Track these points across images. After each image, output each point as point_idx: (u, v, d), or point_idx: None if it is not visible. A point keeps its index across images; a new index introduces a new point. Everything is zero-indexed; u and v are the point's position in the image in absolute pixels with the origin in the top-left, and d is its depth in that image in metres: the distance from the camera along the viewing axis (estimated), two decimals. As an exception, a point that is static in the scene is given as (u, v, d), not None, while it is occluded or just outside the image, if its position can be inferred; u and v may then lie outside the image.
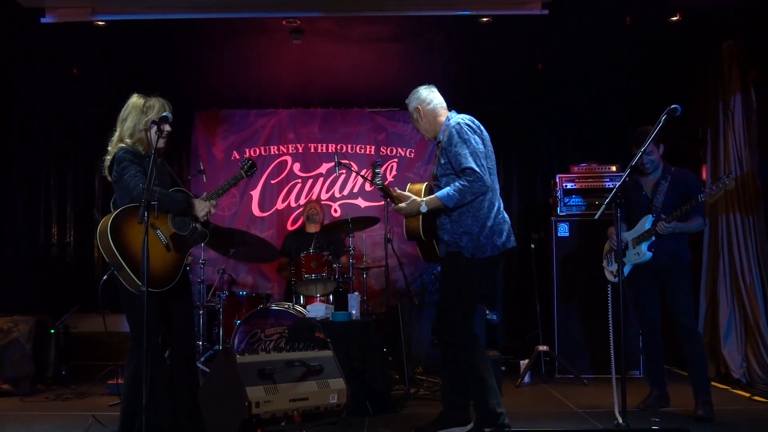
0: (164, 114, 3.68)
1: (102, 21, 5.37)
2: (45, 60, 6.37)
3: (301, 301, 6.10)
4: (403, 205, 4.01)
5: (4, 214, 7.90)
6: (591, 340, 6.16)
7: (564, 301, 6.27)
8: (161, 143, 3.79)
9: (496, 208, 3.99)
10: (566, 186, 6.36)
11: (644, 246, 4.63)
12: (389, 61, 6.56)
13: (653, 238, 4.59)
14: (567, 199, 6.35)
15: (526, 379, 5.93)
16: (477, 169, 3.80)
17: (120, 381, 5.40)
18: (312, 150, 7.95)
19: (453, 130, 3.93)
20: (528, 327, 6.88)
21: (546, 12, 5.23)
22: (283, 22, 5.55)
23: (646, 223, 4.65)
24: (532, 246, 6.47)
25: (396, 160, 7.90)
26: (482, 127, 4.03)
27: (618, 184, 3.76)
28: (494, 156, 4.07)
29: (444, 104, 4.23)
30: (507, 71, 6.85)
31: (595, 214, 4.07)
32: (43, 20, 5.24)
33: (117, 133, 3.81)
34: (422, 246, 4.22)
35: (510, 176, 7.92)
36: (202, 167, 5.97)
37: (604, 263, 5.01)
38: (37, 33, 5.48)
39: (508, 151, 7.93)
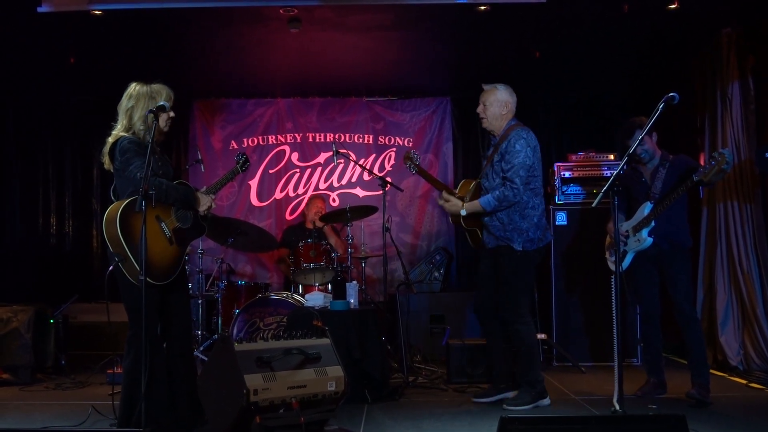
0: (161, 103, 3.68)
1: (99, 10, 5.34)
2: (42, 49, 6.34)
3: (300, 290, 6.11)
4: (446, 204, 4.77)
5: (2, 204, 7.89)
6: (589, 328, 6.18)
7: (562, 289, 6.28)
8: (167, 127, 3.83)
9: (541, 209, 4.61)
10: (564, 174, 6.36)
11: (644, 232, 4.63)
12: (387, 50, 6.55)
13: (653, 223, 4.60)
14: (565, 188, 6.35)
15: (524, 367, 5.95)
16: (518, 182, 4.44)
17: (119, 370, 5.42)
18: (310, 139, 7.95)
19: (513, 139, 4.53)
20: (526, 315, 6.89)
21: (544, 0, 5.22)
22: (281, 11, 5.52)
23: (644, 209, 4.65)
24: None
25: (394, 149, 7.89)
26: (536, 141, 4.64)
27: (615, 172, 3.77)
28: (541, 164, 4.66)
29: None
30: (505, 59, 6.83)
31: (593, 203, 4.08)
32: (39, 9, 5.21)
33: (124, 123, 3.78)
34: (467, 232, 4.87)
35: (508, 165, 7.90)
36: (200, 157, 5.95)
37: (607, 255, 5.01)
38: (34, 22, 5.46)
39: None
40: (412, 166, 5.01)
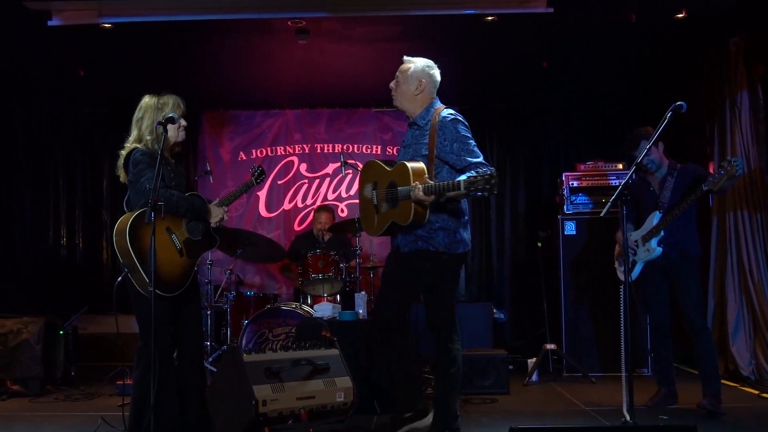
0: (170, 114, 3.70)
1: (108, 23, 5.40)
2: (52, 62, 6.40)
3: (309, 301, 6.11)
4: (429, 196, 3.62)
5: (13, 215, 7.94)
6: (599, 338, 6.15)
7: (571, 299, 6.26)
8: (182, 136, 3.87)
9: (467, 207, 3.98)
10: (572, 184, 6.35)
11: (654, 242, 4.62)
12: (395, 61, 6.46)
13: (662, 233, 4.59)
14: (573, 197, 6.34)
15: (534, 377, 5.93)
16: (485, 161, 3.77)
17: (129, 381, 5.42)
18: (318, 150, 7.96)
19: (451, 124, 3.81)
20: (535, 325, 6.87)
21: (551, 10, 5.23)
22: (289, 23, 5.56)
23: (653, 219, 4.64)
24: (539, 244, 6.45)
25: (402, 159, 7.89)
26: None
27: (623, 182, 3.76)
28: None
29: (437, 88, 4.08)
30: (512, 69, 6.84)
31: (602, 212, 4.07)
32: (49, 23, 5.27)
33: (134, 134, 3.82)
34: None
35: (516, 174, 7.90)
36: (209, 168, 5.98)
37: (616, 265, 5.00)
38: (44, 35, 5.51)
39: (515, 150, 7.93)
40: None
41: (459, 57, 6.56)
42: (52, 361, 5.82)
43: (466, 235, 3.92)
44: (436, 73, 4.07)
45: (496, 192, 3.41)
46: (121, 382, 5.40)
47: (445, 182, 3.54)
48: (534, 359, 6.05)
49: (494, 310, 6.58)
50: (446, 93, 7.62)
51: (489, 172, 3.40)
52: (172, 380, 3.74)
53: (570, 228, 6.30)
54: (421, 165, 3.73)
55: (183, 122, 3.86)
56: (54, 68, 6.58)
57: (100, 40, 5.81)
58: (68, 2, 5.22)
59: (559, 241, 6.33)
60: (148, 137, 3.76)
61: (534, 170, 7.90)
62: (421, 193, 3.55)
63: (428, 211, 3.69)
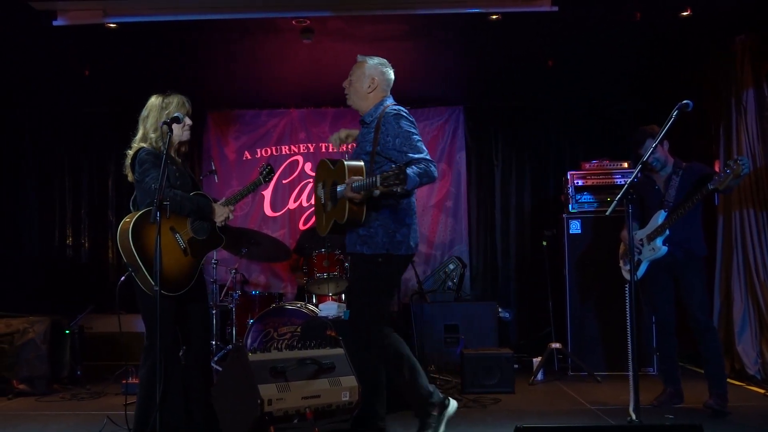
0: (175, 114, 3.70)
1: (113, 23, 5.40)
2: (58, 62, 6.41)
3: (314, 300, 6.11)
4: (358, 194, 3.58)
5: (19, 215, 7.97)
6: (604, 337, 6.15)
7: (577, 298, 6.26)
8: (186, 135, 3.87)
9: (413, 208, 3.87)
10: (577, 183, 6.35)
11: (659, 241, 4.61)
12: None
13: (667, 232, 4.57)
14: (578, 196, 6.34)
15: (540, 376, 5.93)
16: (428, 157, 3.68)
17: (134, 380, 5.45)
18: (323, 149, 7.96)
19: (393, 119, 3.75)
20: (541, 324, 6.88)
21: (555, 9, 5.22)
22: (293, 22, 5.56)
23: (658, 218, 4.63)
24: (544, 243, 6.46)
25: (407, 158, 7.89)
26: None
27: (629, 180, 3.75)
28: None
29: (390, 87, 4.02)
30: (517, 68, 6.83)
31: (607, 211, 4.06)
32: (55, 23, 5.28)
33: (140, 133, 3.83)
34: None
35: (522, 173, 7.90)
36: (213, 167, 5.99)
37: (621, 264, 4.99)
38: (49, 35, 5.52)
39: (520, 149, 7.92)
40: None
41: (464, 56, 6.56)
42: (58, 360, 5.84)
43: (411, 236, 3.82)
44: (389, 71, 4.04)
45: (400, 190, 3.34)
46: (126, 382, 5.42)
47: (369, 179, 3.50)
48: (539, 358, 6.04)
49: (499, 310, 6.57)
50: (451, 92, 7.73)
51: (397, 168, 3.32)
52: (178, 379, 3.75)
53: (575, 227, 6.29)
54: (358, 163, 3.73)
55: (188, 121, 3.86)
56: (59, 68, 6.59)
57: (105, 40, 5.82)
58: (73, 2, 5.22)
59: (565, 240, 6.32)
60: (153, 136, 3.77)
61: (539, 169, 7.90)
62: (349, 191, 3.56)
63: (364, 210, 3.67)
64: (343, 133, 4.21)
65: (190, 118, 3.90)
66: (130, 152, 3.80)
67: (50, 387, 5.68)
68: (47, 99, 7.57)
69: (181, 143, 3.91)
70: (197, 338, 3.92)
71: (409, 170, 3.52)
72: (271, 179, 4.30)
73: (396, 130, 3.73)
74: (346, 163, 3.70)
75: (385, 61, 4.04)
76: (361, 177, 3.60)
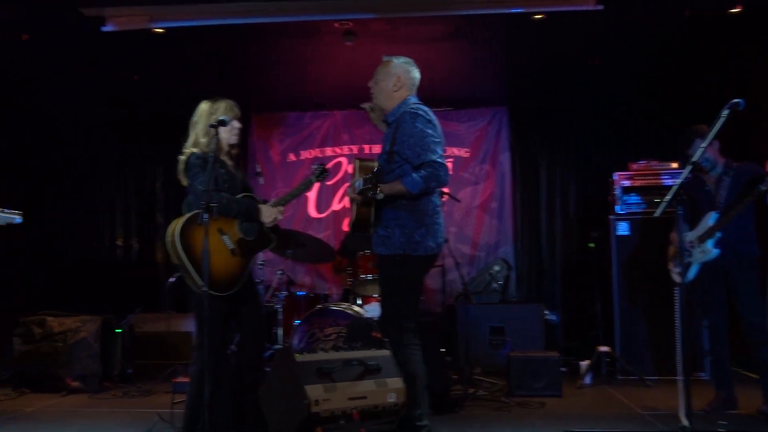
0: (221, 117, 3.77)
1: (160, 28, 5.50)
2: (107, 67, 6.55)
3: (359, 301, 6.13)
4: (357, 196, 3.73)
5: (71, 217, 8.17)
6: (654, 341, 6.03)
7: (625, 300, 6.15)
8: (234, 139, 3.93)
9: (433, 208, 3.80)
10: (624, 184, 6.25)
11: (710, 243, 4.51)
12: (442, 61, 6.55)
13: (718, 234, 4.47)
14: (626, 198, 6.24)
15: (587, 380, 5.85)
16: (440, 160, 3.65)
17: (182, 380, 5.54)
18: (366, 151, 7.98)
19: (410, 118, 3.74)
20: (588, 327, 6.76)
21: (601, 7, 5.14)
22: (336, 25, 5.59)
23: (709, 219, 4.53)
24: (591, 245, 6.36)
25: (451, 160, 7.86)
26: (436, 120, 3.83)
27: (679, 181, 3.67)
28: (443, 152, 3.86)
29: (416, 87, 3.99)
30: (561, 67, 6.76)
31: (656, 212, 3.98)
32: (103, 29, 5.40)
33: (191, 138, 3.90)
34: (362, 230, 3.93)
35: (567, 174, 7.81)
36: (259, 169, 6.05)
37: (671, 266, 4.90)
38: (98, 41, 5.64)
39: (565, 148, 7.83)
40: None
41: (507, 56, 6.51)
42: (109, 358, 5.98)
43: (429, 237, 3.76)
44: (415, 70, 4.01)
45: (375, 196, 3.46)
46: (175, 380, 5.52)
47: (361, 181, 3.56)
48: (587, 362, 5.96)
49: (546, 312, 6.51)
50: (494, 93, 7.67)
51: (372, 174, 3.43)
52: (227, 379, 3.80)
53: (623, 228, 6.19)
54: (371, 163, 3.80)
55: (236, 124, 3.92)
56: (108, 73, 6.73)
57: (152, 45, 5.93)
58: (121, 8, 5.33)
59: (612, 242, 6.23)
60: (203, 140, 3.83)
61: (584, 170, 7.79)
62: (351, 191, 3.64)
63: (372, 210, 3.72)
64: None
65: (240, 118, 3.96)
66: (182, 158, 3.88)
67: (102, 385, 5.81)
68: (97, 103, 7.73)
69: (231, 146, 3.97)
70: (250, 338, 3.97)
71: (415, 174, 3.60)
72: (323, 178, 4.30)
73: (411, 130, 3.71)
74: (359, 163, 3.80)
75: (410, 60, 4.03)
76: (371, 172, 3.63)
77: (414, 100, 3.91)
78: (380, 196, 3.57)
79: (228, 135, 3.90)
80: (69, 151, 8.17)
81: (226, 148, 3.95)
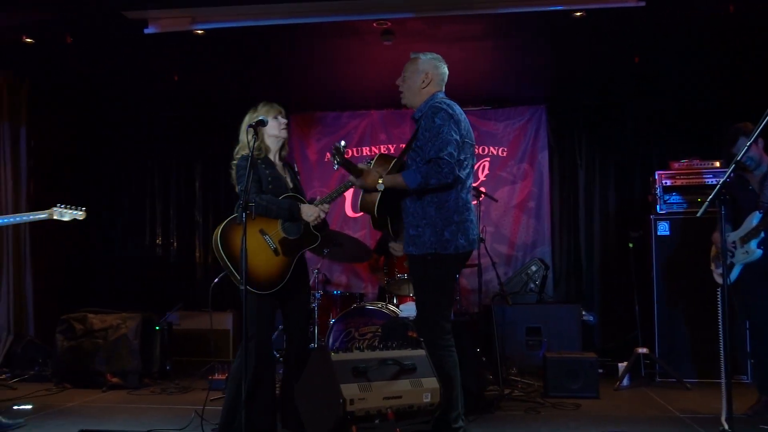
0: (259, 118, 3.82)
1: (200, 30, 5.57)
2: (148, 68, 6.66)
3: (394, 301, 6.13)
4: (360, 181, 3.78)
5: (112, 216, 8.33)
6: (694, 343, 5.93)
7: (665, 301, 6.06)
8: (283, 133, 4.03)
9: (463, 204, 3.72)
10: (665, 183, 6.15)
11: (753, 243, 4.42)
12: (480, 60, 6.51)
13: (762, 234, 4.37)
14: (667, 197, 6.14)
15: (625, 382, 5.77)
16: (445, 157, 3.54)
17: (220, 377, 5.63)
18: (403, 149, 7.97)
19: (431, 112, 3.69)
20: (626, 328, 6.68)
21: (643, 4, 5.07)
22: (374, 24, 5.60)
23: (753, 219, 4.44)
24: (631, 245, 6.27)
25: (488, 159, 7.83)
26: (462, 115, 3.76)
27: (721, 180, 3.59)
28: (472, 149, 3.81)
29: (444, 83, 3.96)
30: (601, 66, 6.67)
31: (698, 212, 3.91)
32: (146, 31, 5.49)
33: (239, 144, 4.02)
34: (375, 219, 3.96)
35: (606, 173, 7.70)
36: (296, 169, 6.10)
37: (713, 266, 4.80)
38: (141, 43, 5.74)
39: (605, 147, 7.73)
40: (339, 160, 3.80)
41: (546, 54, 6.45)
42: (148, 355, 6.07)
43: (460, 234, 3.69)
44: (443, 66, 3.96)
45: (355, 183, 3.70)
46: (214, 377, 5.60)
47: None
48: (625, 363, 5.88)
49: (583, 312, 6.44)
50: (533, 91, 7.61)
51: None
52: (269, 376, 3.91)
53: (663, 228, 6.09)
54: (387, 155, 3.96)
55: (281, 119, 4.02)
56: (150, 74, 6.84)
57: (193, 46, 6.01)
58: (163, 11, 5.42)
59: (652, 242, 6.13)
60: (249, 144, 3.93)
61: (624, 169, 7.68)
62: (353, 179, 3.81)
63: (377, 200, 3.75)
64: None
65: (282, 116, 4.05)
66: (234, 163, 3.98)
67: (141, 381, 5.91)
68: (139, 103, 7.86)
69: (280, 146, 4.07)
70: (294, 335, 4.09)
71: (415, 169, 3.62)
72: (340, 158, 4.33)
73: (429, 124, 3.67)
74: (379, 155, 3.96)
75: (438, 56, 3.96)
76: (386, 168, 3.79)
77: (441, 95, 3.87)
78: (381, 187, 3.66)
79: (276, 131, 4.00)
80: (109, 151, 8.32)
81: (274, 147, 4.04)
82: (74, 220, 4.58)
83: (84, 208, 4.61)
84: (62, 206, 4.53)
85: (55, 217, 4.51)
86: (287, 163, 4.19)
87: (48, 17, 5.44)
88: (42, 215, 4.50)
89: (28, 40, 5.77)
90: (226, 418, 3.78)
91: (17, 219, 4.67)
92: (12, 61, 6.40)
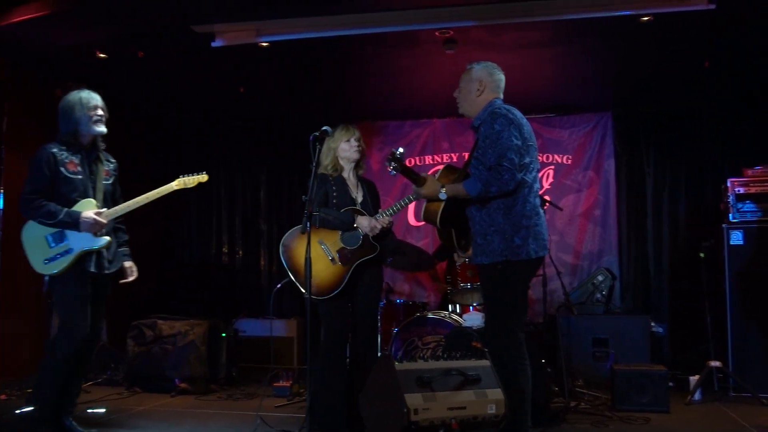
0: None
1: (265, 42, 5.67)
2: (215, 80, 6.82)
3: (458, 310, 6.10)
4: (422, 190, 3.80)
5: (181, 226, 8.54)
6: (771, 357, 5.71)
7: (738, 313, 5.85)
8: (354, 155, 4.37)
9: (531, 209, 3.66)
10: (738, 191, 5.95)
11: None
12: (543, 67, 6.44)
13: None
14: (740, 205, 5.94)
15: (697, 396, 5.59)
16: (508, 164, 3.49)
17: (284, 384, 5.72)
18: (466, 158, 7.92)
19: (489, 118, 3.66)
20: (697, 341, 6.46)
21: (713, 6, 4.93)
22: (436, 33, 5.60)
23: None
24: (702, 255, 6.08)
25: (552, 167, 7.72)
26: (522, 119, 3.72)
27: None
28: (536, 152, 3.76)
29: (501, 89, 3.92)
30: (669, 71, 6.51)
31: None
32: (213, 44, 5.63)
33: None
34: (439, 230, 3.98)
35: (676, 180, 7.50)
36: (375, 188, 6.15)
37: None
38: (208, 56, 5.88)
39: (673, 154, 7.53)
40: (396, 166, 3.81)
41: (612, 60, 6.33)
42: (215, 361, 6.18)
43: (530, 240, 3.62)
44: (499, 72, 3.91)
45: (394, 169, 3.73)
46: (279, 384, 5.68)
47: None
48: (696, 377, 5.70)
49: (652, 324, 6.27)
50: (598, 98, 7.48)
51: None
52: (339, 380, 4.13)
53: (736, 238, 5.89)
54: (453, 166, 4.05)
55: (354, 142, 4.35)
56: (216, 86, 7.00)
57: (258, 58, 6.13)
58: (230, 24, 5.54)
59: (724, 252, 5.93)
60: (325, 163, 4.28)
61: (694, 176, 7.46)
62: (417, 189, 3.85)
63: (440, 210, 3.78)
64: None
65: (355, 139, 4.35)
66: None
67: (208, 387, 6.03)
68: (205, 114, 8.05)
69: (355, 165, 4.42)
70: (360, 340, 4.27)
71: (476, 177, 3.60)
72: (398, 164, 4.35)
73: (488, 131, 3.64)
74: (444, 167, 4.07)
75: (492, 63, 3.93)
76: (446, 180, 3.85)
77: (499, 102, 3.84)
78: (443, 195, 3.70)
79: (347, 153, 4.34)
80: (177, 160, 8.53)
81: (348, 167, 4.35)
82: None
83: (204, 172, 4.83)
84: (184, 175, 4.84)
85: (180, 187, 4.79)
86: (364, 180, 4.45)
87: (120, 33, 5.63)
88: (170, 186, 4.78)
89: (102, 55, 5.99)
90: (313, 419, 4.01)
91: (146, 199, 4.68)
92: (85, 76, 6.63)
